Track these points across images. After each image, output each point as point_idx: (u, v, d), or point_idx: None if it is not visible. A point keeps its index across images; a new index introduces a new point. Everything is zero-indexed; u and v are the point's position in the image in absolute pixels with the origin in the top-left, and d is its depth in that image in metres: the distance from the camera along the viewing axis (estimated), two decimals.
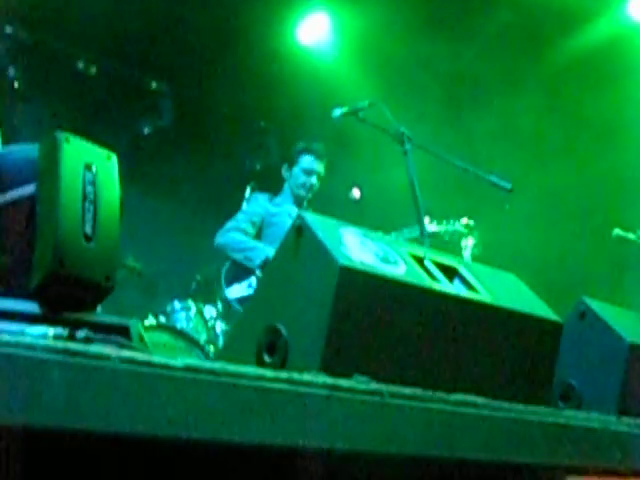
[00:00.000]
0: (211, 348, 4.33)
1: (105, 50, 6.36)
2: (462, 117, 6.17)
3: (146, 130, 6.87)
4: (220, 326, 4.60)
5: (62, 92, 6.22)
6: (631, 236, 4.69)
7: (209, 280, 4.56)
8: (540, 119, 6.00)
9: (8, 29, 5.95)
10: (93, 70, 6.40)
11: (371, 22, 6.02)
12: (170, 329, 4.37)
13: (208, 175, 5.77)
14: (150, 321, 4.56)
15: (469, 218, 4.72)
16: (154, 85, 6.98)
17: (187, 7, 5.94)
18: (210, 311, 4.68)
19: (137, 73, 6.85)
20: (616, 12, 6.00)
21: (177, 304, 4.66)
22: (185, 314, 4.59)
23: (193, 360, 1.13)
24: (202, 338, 4.43)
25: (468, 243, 4.79)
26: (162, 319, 4.62)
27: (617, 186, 5.92)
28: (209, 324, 4.57)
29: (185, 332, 4.37)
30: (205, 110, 6.86)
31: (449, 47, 5.75)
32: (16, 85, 5.94)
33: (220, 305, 4.65)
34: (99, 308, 4.49)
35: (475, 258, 4.68)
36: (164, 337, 4.19)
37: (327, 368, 1.45)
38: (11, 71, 5.93)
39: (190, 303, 4.66)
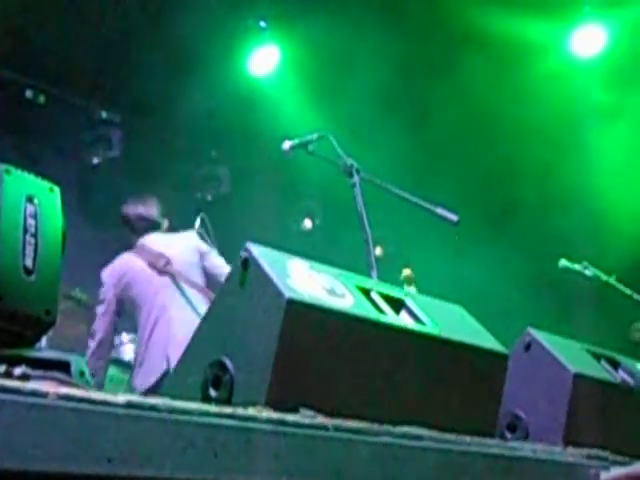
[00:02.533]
0: None
1: (54, 79, 6.31)
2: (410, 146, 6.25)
3: (95, 160, 6.81)
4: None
5: (10, 121, 6.14)
6: (577, 267, 4.76)
7: None
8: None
9: None
10: (42, 99, 6.34)
11: (319, 54, 6.09)
12: (117, 362, 4.30)
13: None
14: None
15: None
16: (104, 115, 6.93)
17: (139, 37, 5.93)
18: None
19: (87, 102, 6.80)
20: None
21: (125, 336, 4.60)
22: (133, 346, 4.52)
23: (134, 396, 1.11)
24: None
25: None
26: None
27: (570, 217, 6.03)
28: None
29: (133, 365, 4.30)
30: (156, 140, 6.84)
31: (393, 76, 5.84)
32: None
33: None
34: (44, 342, 4.38)
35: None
36: (111, 370, 4.12)
37: (273, 402, 1.44)
38: None
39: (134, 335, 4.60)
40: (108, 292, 3.99)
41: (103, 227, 6.03)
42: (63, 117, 6.50)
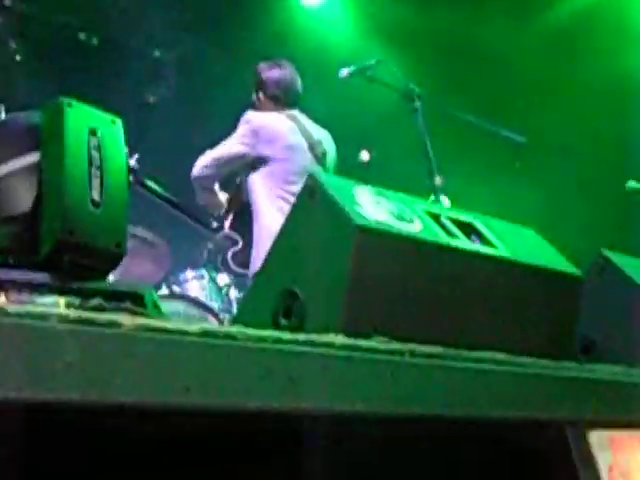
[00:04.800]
0: (226, 316, 4.32)
1: (106, 21, 6.29)
2: (468, 74, 6.09)
3: (151, 99, 6.81)
4: (234, 293, 4.59)
5: (65, 63, 6.16)
6: None
7: (221, 248, 4.53)
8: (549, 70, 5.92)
9: (7, 1, 5.87)
10: (95, 41, 6.33)
11: None
12: (184, 298, 4.36)
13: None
14: (163, 291, 4.55)
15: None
16: (157, 53, 6.90)
17: None
18: (223, 279, 4.67)
19: (140, 42, 6.78)
20: None
21: (190, 273, 4.65)
22: (198, 283, 4.57)
23: (209, 325, 1.10)
24: (216, 306, 4.42)
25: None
26: (175, 289, 4.61)
27: (629, 138, 5.83)
28: (223, 292, 4.55)
29: (199, 300, 4.36)
30: (212, 78, 6.79)
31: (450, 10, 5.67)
32: (17, 58, 5.88)
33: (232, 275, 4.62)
34: (112, 279, 4.45)
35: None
36: (178, 306, 4.18)
37: (346, 329, 1.42)
38: (11, 44, 5.87)
39: (203, 271, 4.64)
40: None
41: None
42: (117, 58, 6.50)
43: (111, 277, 4.58)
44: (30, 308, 0.96)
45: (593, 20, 5.90)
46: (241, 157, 4.01)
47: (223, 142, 4.06)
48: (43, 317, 0.96)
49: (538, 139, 4.87)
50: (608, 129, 5.89)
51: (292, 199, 4.01)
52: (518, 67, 5.97)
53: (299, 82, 4.17)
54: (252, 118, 4.02)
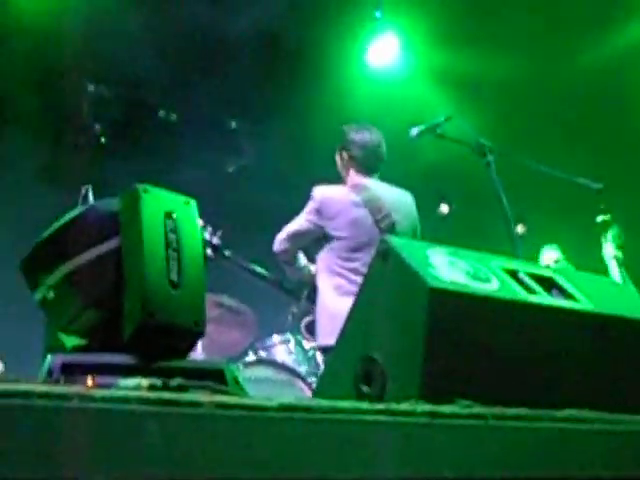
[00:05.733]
0: (313, 380, 4.31)
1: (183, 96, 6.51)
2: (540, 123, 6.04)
3: (230, 169, 6.99)
4: (321, 356, 4.59)
5: (146, 141, 6.39)
6: None
7: (305, 312, 4.56)
8: None
9: (90, 87, 6.17)
10: (174, 117, 6.57)
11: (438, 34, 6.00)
12: (271, 363, 4.38)
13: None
14: (250, 357, 4.59)
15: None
16: (233, 124, 7.09)
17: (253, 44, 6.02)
18: (310, 342, 4.68)
19: (218, 114, 6.98)
20: None
21: (276, 337, 4.68)
22: (285, 347, 4.59)
23: (287, 399, 1.12)
24: (303, 370, 4.43)
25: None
26: (262, 354, 4.64)
27: None
28: (309, 354, 4.56)
29: (286, 365, 4.37)
30: (288, 145, 6.91)
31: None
32: (102, 141, 6.15)
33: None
34: (200, 350, 4.50)
35: None
36: (266, 372, 4.20)
37: (427, 394, 1.41)
38: (97, 128, 6.15)
39: (289, 336, 4.67)
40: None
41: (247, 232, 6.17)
42: (196, 131, 6.71)
43: (199, 346, 4.67)
44: (113, 392, 1.00)
45: None
46: (308, 233, 4.06)
47: (297, 216, 4.12)
48: (125, 400, 0.99)
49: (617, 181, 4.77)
50: None
51: (352, 276, 3.97)
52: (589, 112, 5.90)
53: (384, 149, 4.17)
54: (316, 194, 4.07)
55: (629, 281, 3.88)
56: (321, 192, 4.07)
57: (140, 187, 1.46)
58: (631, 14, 5.80)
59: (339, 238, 3.95)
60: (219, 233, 4.12)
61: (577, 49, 5.91)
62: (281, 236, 4.11)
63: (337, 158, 4.27)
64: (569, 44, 5.88)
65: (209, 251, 4.29)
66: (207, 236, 4.33)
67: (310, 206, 4.05)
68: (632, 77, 5.80)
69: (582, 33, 5.84)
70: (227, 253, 4.21)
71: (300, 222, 4.06)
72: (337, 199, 4.02)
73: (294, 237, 4.07)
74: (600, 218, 4.11)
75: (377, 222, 3.94)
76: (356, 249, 3.87)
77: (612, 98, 5.90)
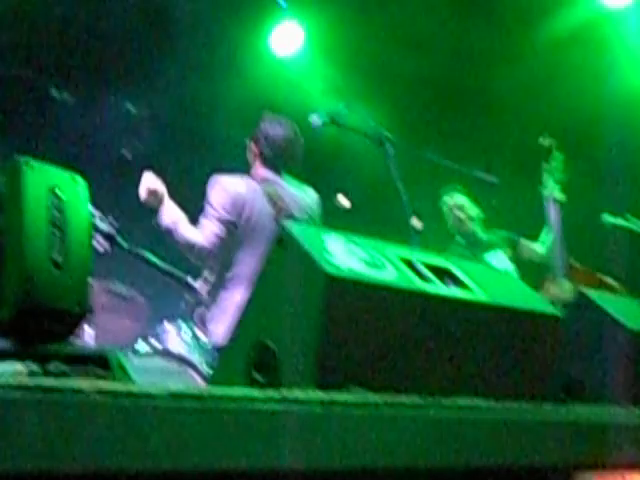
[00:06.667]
0: (206, 369, 4.25)
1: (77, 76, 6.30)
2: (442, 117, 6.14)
3: (127, 153, 6.81)
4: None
5: (37, 121, 6.15)
6: (621, 222, 4.62)
7: (198, 299, 4.49)
8: None
9: None
10: (66, 96, 6.34)
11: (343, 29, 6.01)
12: (162, 352, 4.30)
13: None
14: (142, 345, 4.49)
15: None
16: (130, 107, 6.91)
17: (149, 31, 5.88)
18: (200, 330, 4.61)
19: (113, 97, 6.79)
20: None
21: (168, 325, 4.59)
22: (177, 335, 4.52)
23: (176, 386, 1.07)
24: (196, 359, 4.36)
25: None
26: (154, 343, 4.55)
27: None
28: (201, 343, 4.50)
29: (179, 354, 4.30)
30: (190, 132, 6.79)
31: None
32: None
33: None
34: (90, 339, 4.35)
35: None
36: (157, 362, 4.12)
37: (321, 382, 1.39)
38: None
39: (181, 323, 4.59)
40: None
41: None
42: (90, 113, 6.50)
43: (90, 333, 4.53)
44: None
45: (574, 55, 5.96)
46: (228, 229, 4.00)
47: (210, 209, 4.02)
48: (1, 387, 0.92)
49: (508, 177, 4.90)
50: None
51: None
52: (492, 109, 6.04)
53: (298, 148, 4.11)
54: (226, 185, 4.00)
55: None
56: (229, 183, 4.00)
57: (22, 160, 1.37)
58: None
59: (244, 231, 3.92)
60: (110, 219, 3.97)
61: (480, 43, 6.03)
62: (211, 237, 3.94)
63: (248, 144, 4.21)
64: (473, 39, 5.99)
65: (100, 239, 4.12)
66: (97, 223, 4.14)
67: (222, 198, 3.95)
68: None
69: (488, 27, 5.97)
70: (119, 241, 4.06)
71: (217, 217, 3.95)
72: (238, 190, 3.97)
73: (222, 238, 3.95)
74: (544, 141, 3.97)
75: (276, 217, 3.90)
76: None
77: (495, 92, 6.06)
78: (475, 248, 4.92)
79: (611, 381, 2.01)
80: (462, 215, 4.98)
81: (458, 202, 4.99)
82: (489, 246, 4.94)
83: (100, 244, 3.99)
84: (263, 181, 4.04)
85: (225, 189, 3.96)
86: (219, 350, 3.86)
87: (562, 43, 5.93)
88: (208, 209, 3.95)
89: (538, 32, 6.06)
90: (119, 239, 3.94)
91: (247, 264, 3.87)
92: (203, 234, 3.89)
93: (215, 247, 3.89)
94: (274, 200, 3.95)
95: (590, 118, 5.72)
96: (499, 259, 4.83)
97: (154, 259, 4.14)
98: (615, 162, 5.73)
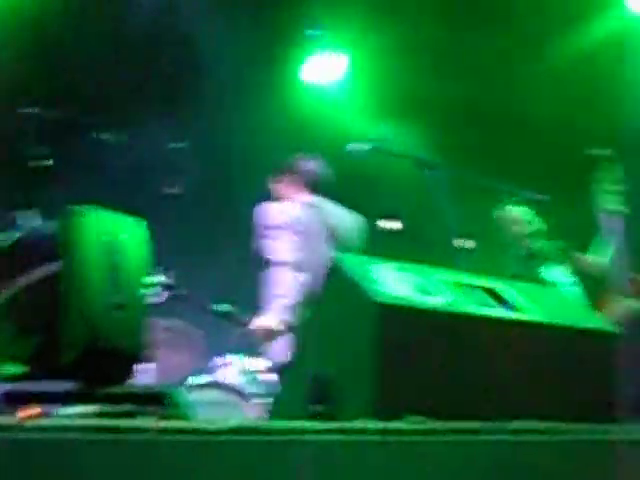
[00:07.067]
0: (258, 400, 4.27)
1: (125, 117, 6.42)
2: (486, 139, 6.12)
3: (177, 190, 6.89)
4: (265, 377, 4.55)
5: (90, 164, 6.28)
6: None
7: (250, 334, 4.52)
8: None
9: (34, 109, 6.02)
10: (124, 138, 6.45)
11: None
12: (218, 385, 4.32)
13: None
14: (200, 379, 4.53)
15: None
16: (180, 144, 7.00)
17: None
18: (254, 363, 4.65)
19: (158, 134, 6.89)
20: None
21: (223, 359, 4.62)
22: (233, 369, 4.54)
23: (238, 421, 1.09)
24: (249, 391, 4.38)
25: None
26: (210, 376, 4.58)
27: None
28: (256, 376, 4.52)
29: (233, 387, 4.32)
30: (236, 165, 6.85)
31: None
32: (47, 163, 5.99)
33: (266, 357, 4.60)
34: (153, 373, 4.39)
35: None
36: (213, 395, 4.14)
37: (380, 410, 1.39)
38: (41, 150, 5.99)
39: (234, 357, 4.62)
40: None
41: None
42: (139, 152, 6.60)
43: (150, 369, 4.59)
44: (55, 421, 0.96)
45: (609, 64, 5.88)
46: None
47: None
48: (67, 429, 0.95)
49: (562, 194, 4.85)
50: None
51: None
52: (533, 127, 5.99)
53: (329, 175, 4.21)
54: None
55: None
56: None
57: (78, 209, 1.41)
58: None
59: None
60: (172, 273, 4.13)
61: (515, 64, 6.01)
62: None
63: (280, 177, 4.28)
64: (506, 66, 5.98)
65: (165, 293, 4.31)
66: (161, 278, 4.34)
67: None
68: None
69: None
70: (184, 292, 4.21)
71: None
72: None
73: None
74: (593, 153, 3.83)
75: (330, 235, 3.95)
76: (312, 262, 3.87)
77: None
78: (532, 261, 4.86)
79: None
80: (518, 228, 4.93)
81: (514, 215, 4.95)
82: (547, 259, 4.87)
83: (161, 295, 4.15)
84: (310, 205, 4.09)
85: (281, 212, 4.03)
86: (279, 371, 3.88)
87: (595, 53, 5.88)
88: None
89: (570, 45, 6.02)
90: (178, 291, 4.06)
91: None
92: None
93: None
94: (326, 220, 4.00)
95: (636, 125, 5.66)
96: (559, 273, 4.76)
97: (223, 308, 4.26)
98: None
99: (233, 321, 4.35)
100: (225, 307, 4.34)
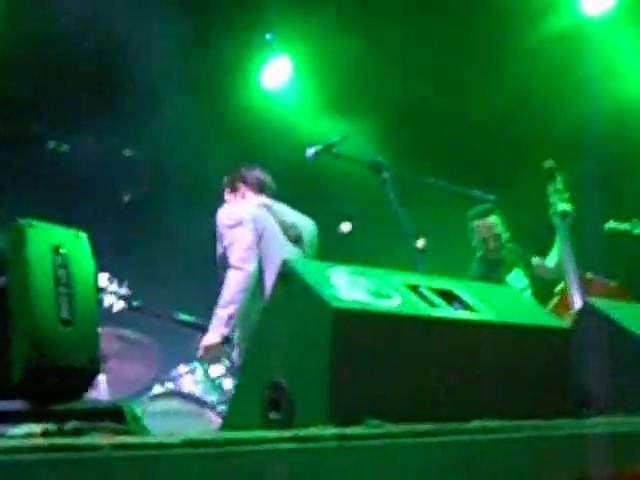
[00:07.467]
0: (223, 407, 4.24)
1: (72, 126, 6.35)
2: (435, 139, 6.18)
3: (126, 198, 6.84)
4: (229, 383, 4.52)
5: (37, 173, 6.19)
6: (625, 227, 4.62)
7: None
8: None
9: None
10: (65, 147, 6.38)
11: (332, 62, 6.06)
12: (178, 394, 4.29)
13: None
14: (157, 389, 4.49)
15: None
16: (128, 152, 6.95)
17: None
18: (217, 370, 4.61)
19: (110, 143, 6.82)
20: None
21: (182, 368, 4.58)
22: (192, 377, 4.51)
23: (193, 434, 1.07)
24: (212, 399, 4.35)
25: None
26: (169, 385, 4.54)
27: None
28: (217, 383, 4.49)
29: (194, 395, 4.29)
30: (183, 170, 6.82)
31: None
32: None
33: (227, 362, 4.58)
34: (105, 387, 4.37)
35: None
36: (173, 404, 4.11)
37: (336, 417, 1.39)
38: None
39: (195, 364, 4.59)
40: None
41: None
42: (88, 161, 6.52)
43: (103, 381, 4.53)
44: (2, 442, 0.93)
45: (562, 77, 5.97)
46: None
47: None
48: (16, 450, 0.93)
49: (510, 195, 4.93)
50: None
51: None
52: (485, 128, 6.07)
53: (272, 181, 4.34)
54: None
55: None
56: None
57: (24, 222, 1.39)
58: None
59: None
60: (125, 284, 4.16)
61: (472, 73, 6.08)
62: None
63: (229, 181, 4.33)
64: (461, 70, 6.04)
65: (121, 303, 4.35)
66: (114, 288, 4.37)
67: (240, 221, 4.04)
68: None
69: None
70: (136, 303, 4.24)
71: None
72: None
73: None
74: (547, 164, 4.09)
75: (285, 231, 4.01)
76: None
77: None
78: (497, 267, 4.94)
79: (624, 390, 2.00)
80: (486, 235, 5.00)
81: (486, 222, 5.01)
82: (511, 265, 4.97)
83: (116, 305, 4.18)
84: (264, 206, 4.14)
85: (240, 211, 4.06)
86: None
87: (547, 52, 5.97)
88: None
89: (523, 43, 6.11)
90: (134, 302, 4.09)
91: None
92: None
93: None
94: (282, 219, 4.05)
95: (585, 125, 5.75)
96: (517, 277, 4.86)
97: (184, 317, 4.28)
98: (612, 166, 5.76)
99: (196, 328, 4.35)
100: (187, 316, 4.35)
